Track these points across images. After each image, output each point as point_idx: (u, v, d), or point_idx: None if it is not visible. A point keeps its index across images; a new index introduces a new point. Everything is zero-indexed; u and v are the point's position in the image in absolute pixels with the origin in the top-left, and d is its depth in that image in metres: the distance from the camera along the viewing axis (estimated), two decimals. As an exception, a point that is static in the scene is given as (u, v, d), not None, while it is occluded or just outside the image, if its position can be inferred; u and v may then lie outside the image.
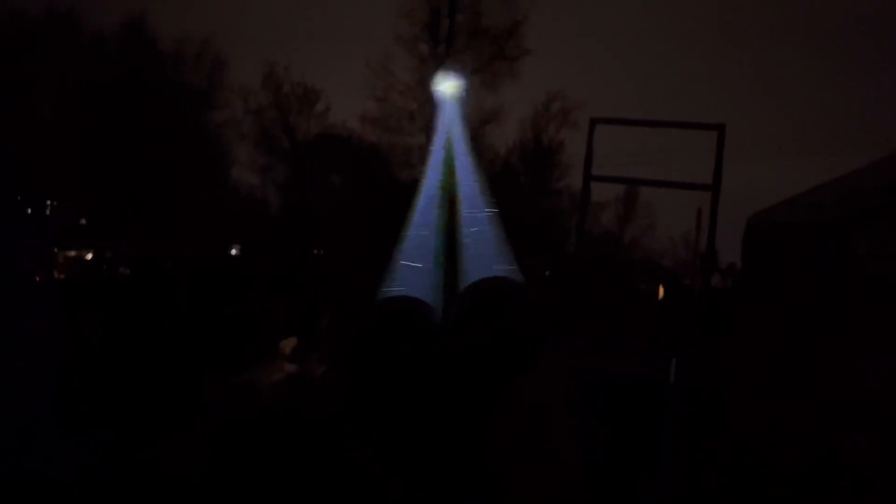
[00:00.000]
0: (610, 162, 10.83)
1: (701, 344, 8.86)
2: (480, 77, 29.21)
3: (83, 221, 25.14)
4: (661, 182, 10.66)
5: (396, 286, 2.18)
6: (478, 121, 30.40)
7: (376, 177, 31.93)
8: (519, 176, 32.98)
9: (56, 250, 21.16)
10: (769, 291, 6.85)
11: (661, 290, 26.03)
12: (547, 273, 30.26)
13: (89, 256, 22.13)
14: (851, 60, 51.66)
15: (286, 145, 31.23)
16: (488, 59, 29.39)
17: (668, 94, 43.83)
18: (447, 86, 4.02)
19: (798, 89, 53.93)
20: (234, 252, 27.49)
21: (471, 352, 1.44)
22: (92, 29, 26.22)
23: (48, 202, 24.38)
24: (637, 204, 33.44)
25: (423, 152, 30.43)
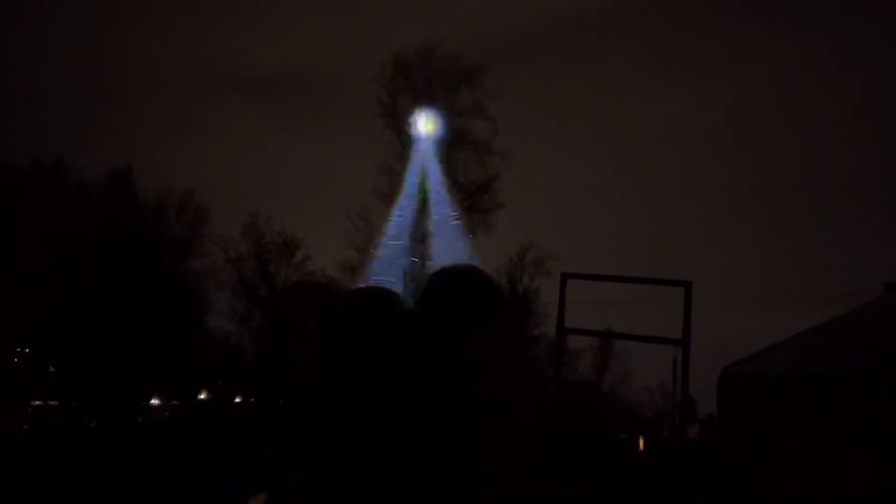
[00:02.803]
0: (584, 309, 10.96)
1: (683, 499, 8.62)
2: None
3: (52, 369, 24.59)
4: (633, 336, 10.80)
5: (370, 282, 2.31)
6: (454, 270, 30.74)
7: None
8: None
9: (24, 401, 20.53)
10: (747, 445, 6.81)
11: (642, 442, 25.61)
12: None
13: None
14: (819, 214, 54.07)
15: (265, 293, 31.32)
16: (463, 212, 30.28)
17: (639, 245, 45.20)
18: (423, 122, 4.24)
19: (767, 242, 55.90)
20: (204, 395, 26.87)
21: (434, 318, 1.68)
22: (77, 180, 26.85)
23: (18, 350, 23.96)
24: (613, 352, 33.49)
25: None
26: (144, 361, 23.18)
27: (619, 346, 33.19)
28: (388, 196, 30.63)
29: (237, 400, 28.13)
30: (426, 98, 29.43)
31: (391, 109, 29.03)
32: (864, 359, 4.78)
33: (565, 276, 9.04)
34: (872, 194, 55.44)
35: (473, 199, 30.44)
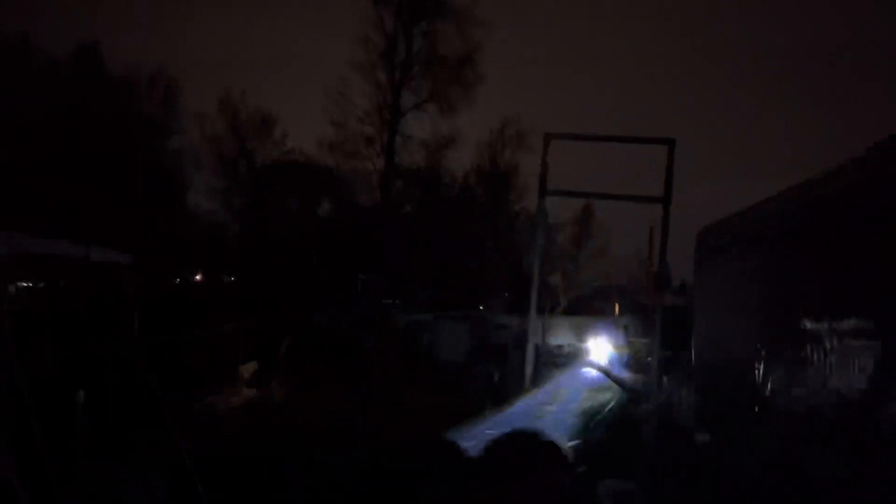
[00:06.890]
0: (565, 184, 11.01)
1: (659, 359, 9.05)
2: (437, 103, 29.53)
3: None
4: (614, 196, 10.92)
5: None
6: (436, 145, 30.63)
7: (335, 201, 31.84)
8: (476, 198, 33.20)
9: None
10: (720, 304, 7.03)
11: (617, 308, 26.48)
12: (507, 294, 30.44)
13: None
14: (807, 81, 53.53)
15: (244, 171, 31.03)
16: (444, 86, 29.67)
17: (623, 119, 44.76)
18: None
19: (748, 111, 55.57)
20: (198, 277, 27.13)
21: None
22: (44, 56, 25.81)
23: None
24: (592, 224, 33.82)
25: (381, 176, 30.57)
26: (126, 239, 23.16)
27: (598, 218, 33.52)
28: (364, 68, 29.80)
29: (222, 277, 28.45)
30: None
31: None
32: (840, 215, 4.84)
33: (549, 137, 9.21)
34: (868, 62, 54.79)
35: (455, 72, 29.77)
